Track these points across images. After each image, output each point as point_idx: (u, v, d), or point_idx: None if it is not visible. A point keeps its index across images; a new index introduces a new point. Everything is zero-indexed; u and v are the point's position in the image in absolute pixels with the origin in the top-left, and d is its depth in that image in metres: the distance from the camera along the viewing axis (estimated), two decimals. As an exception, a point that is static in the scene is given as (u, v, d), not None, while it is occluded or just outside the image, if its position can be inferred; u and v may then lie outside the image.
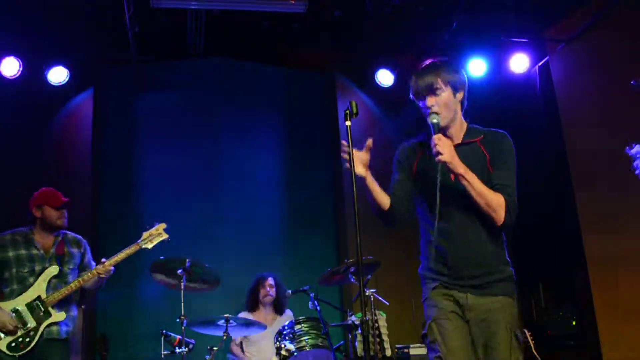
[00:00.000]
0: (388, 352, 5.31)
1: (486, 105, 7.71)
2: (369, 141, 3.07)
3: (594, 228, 6.34)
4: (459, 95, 3.18)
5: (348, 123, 3.02)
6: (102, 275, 4.66)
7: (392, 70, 7.55)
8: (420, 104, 3.16)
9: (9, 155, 6.66)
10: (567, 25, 6.91)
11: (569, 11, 6.85)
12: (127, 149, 7.47)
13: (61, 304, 4.66)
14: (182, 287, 5.24)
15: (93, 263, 4.89)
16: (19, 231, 4.79)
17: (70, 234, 4.96)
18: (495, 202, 3.00)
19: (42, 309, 4.57)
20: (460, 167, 2.99)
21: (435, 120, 3.07)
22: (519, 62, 7.37)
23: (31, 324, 4.53)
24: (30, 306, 4.56)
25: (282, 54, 7.96)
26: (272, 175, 7.81)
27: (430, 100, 3.11)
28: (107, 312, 6.78)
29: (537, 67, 7.42)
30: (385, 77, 7.57)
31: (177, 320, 5.17)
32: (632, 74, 5.63)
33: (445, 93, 3.11)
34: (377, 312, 5.45)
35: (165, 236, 4.84)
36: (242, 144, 7.60)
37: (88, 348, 6.33)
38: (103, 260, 4.67)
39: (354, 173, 2.97)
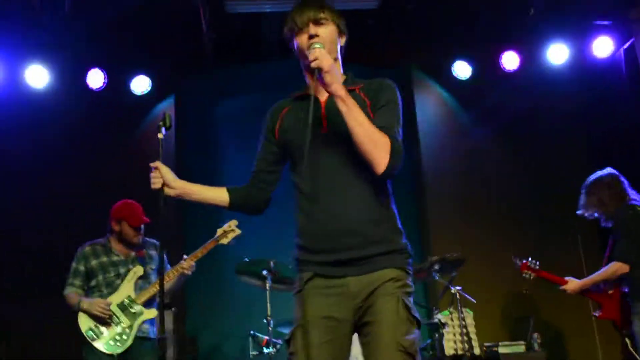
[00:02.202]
0: (477, 351, 5.23)
1: (570, 93, 7.46)
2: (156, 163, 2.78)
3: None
4: (342, 40, 2.88)
5: (160, 135, 2.81)
6: (186, 272, 4.75)
7: (470, 62, 7.41)
8: (296, 40, 2.78)
9: (99, 167, 6.86)
10: (653, 4, 6.61)
11: (655, -11, 6.55)
12: (210, 154, 7.59)
13: (148, 304, 4.78)
14: (267, 288, 5.30)
15: (169, 266, 4.97)
16: (96, 242, 4.94)
17: (148, 239, 5.07)
18: (379, 140, 2.51)
19: (134, 307, 4.70)
20: (340, 88, 2.53)
21: (318, 46, 2.61)
22: (603, 46, 7.09)
23: (125, 322, 4.65)
24: (121, 305, 4.69)
25: (356, 51, 7.89)
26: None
27: (313, 29, 2.70)
28: (196, 314, 6.92)
29: (622, 49, 7.11)
30: (462, 69, 7.42)
31: (264, 320, 5.23)
32: None
33: (329, 28, 2.77)
34: (464, 309, 5.37)
35: (238, 232, 4.88)
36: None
37: (179, 348, 6.48)
38: (184, 257, 4.78)
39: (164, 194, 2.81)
